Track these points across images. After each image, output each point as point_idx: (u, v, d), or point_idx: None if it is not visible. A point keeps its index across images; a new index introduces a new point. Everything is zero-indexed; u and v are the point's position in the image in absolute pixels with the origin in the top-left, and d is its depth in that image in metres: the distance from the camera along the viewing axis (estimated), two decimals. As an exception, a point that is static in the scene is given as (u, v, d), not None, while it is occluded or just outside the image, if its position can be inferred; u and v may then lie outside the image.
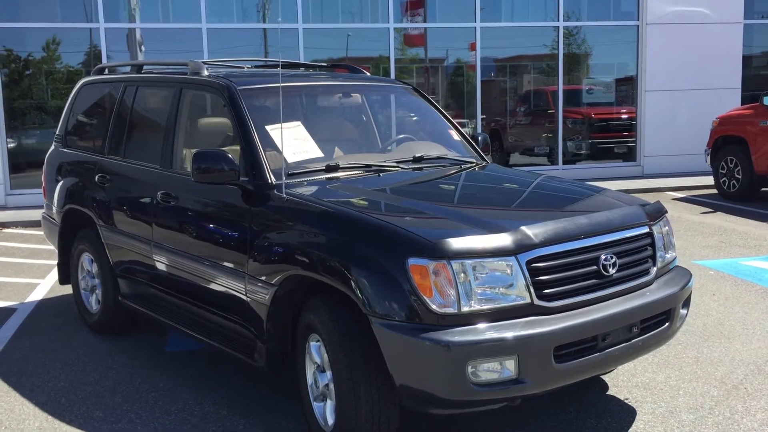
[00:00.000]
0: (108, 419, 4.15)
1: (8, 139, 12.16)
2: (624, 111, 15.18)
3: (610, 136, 15.44)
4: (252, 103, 4.34)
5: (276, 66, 5.69)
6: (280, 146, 4.08)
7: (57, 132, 6.19)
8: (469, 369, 3.06)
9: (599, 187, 4.41)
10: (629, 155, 14.85)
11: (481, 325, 3.11)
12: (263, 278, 3.78)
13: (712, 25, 14.06)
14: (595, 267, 3.42)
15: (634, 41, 14.29)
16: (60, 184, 5.85)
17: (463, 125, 15.09)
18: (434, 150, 4.86)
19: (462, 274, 3.11)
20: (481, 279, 3.15)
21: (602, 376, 4.54)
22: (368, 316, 3.20)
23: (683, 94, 14.15)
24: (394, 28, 13.39)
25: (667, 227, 4.03)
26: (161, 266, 4.70)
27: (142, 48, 12.85)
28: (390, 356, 3.15)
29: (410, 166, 4.42)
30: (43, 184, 6.23)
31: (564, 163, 14.84)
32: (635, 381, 4.51)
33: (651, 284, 3.71)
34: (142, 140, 5.10)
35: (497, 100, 16.74)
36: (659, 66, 14.03)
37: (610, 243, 3.51)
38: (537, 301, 3.21)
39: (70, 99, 6.11)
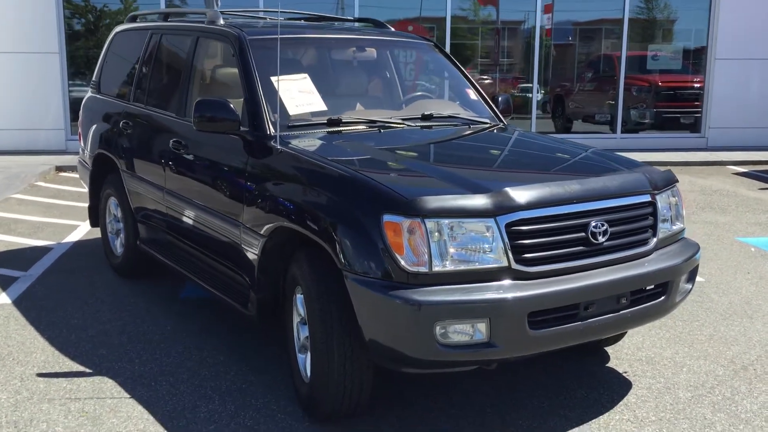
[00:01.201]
0: (109, 357, 4.28)
1: (71, 87, 12.52)
2: (694, 80, 14.56)
3: (677, 105, 14.85)
4: (261, 53, 4.32)
5: (305, 18, 5.66)
6: (284, 97, 4.07)
7: (93, 78, 6.33)
8: (438, 329, 3.01)
9: (610, 152, 4.25)
10: (695, 126, 14.28)
11: (453, 287, 3.06)
12: (255, 228, 3.80)
13: (792, -11, 13.28)
14: (583, 234, 3.30)
15: (706, 8, 13.62)
16: (92, 129, 6.00)
17: (526, 90, 14.78)
18: (449, 109, 4.77)
19: (436, 233, 3.05)
20: (456, 239, 3.08)
21: (605, 347, 4.43)
22: (342, 271, 3.19)
23: (757, 63, 13.47)
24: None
25: (675, 198, 3.85)
26: (172, 213, 4.79)
27: (218, 2, 12.91)
28: (360, 312, 3.14)
29: (417, 124, 4.35)
30: (79, 129, 6.40)
31: (627, 131, 14.37)
32: (639, 355, 4.38)
33: (649, 255, 3.57)
34: (162, 88, 5.16)
35: (564, 64, 16.28)
36: (732, 33, 13.34)
37: (602, 210, 3.38)
38: (515, 265, 3.13)
39: (105, 46, 6.23)
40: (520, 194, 3.18)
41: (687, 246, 3.82)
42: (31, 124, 12.14)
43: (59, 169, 10.86)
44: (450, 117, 4.54)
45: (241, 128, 4.01)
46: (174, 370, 4.12)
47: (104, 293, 5.41)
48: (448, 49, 13.15)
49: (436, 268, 3.04)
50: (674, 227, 3.80)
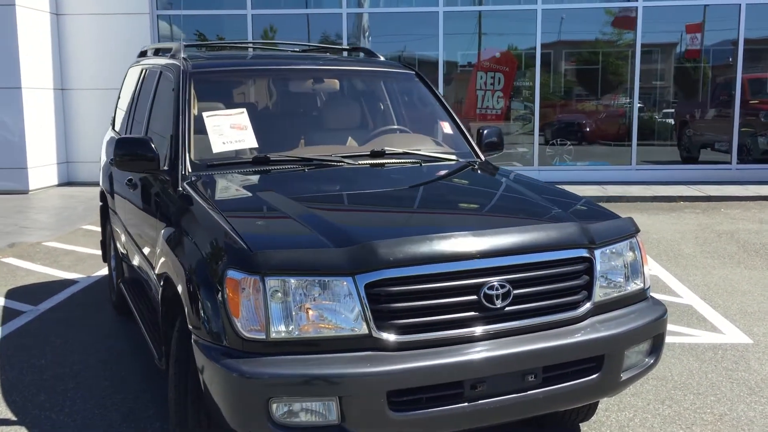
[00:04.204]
0: (44, 405, 4.12)
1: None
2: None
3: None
4: (205, 87, 4.09)
5: (303, 50, 5.40)
6: (211, 134, 3.80)
7: (112, 115, 6.37)
8: (275, 407, 2.57)
9: (570, 194, 3.61)
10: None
11: (298, 357, 2.61)
12: (157, 275, 3.52)
13: None
14: (474, 297, 2.74)
15: None
16: (102, 165, 6.02)
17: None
18: (418, 143, 4.30)
19: (279, 294, 2.61)
20: (306, 301, 2.63)
21: (580, 423, 3.76)
22: (191, 331, 2.82)
23: None
24: (543, 10, 12.42)
25: (634, 252, 3.18)
26: (129, 252, 4.64)
27: (368, 34, 12.99)
28: (203, 381, 2.75)
29: (364, 162, 3.91)
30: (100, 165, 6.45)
31: (754, 161, 12.97)
32: (617, 436, 3.67)
33: (581, 321, 2.94)
34: (136, 124, 5.04)
35: (697, 87, 15.01)
36: None
37: (501, 268, 2.79)
38: (377, 333, 2.63)
39: (121, 84, 6.24)
40: (387, 249, 2.68)
41: (645, 310, 3.13)
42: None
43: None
44: (405, 153, 4.05)
45: (164, 167, 3.77)
46: (96, 423, 3.88)
47: (88, 332, 5.32)
48: (537, 76, 12.49)
49: (276, 335, 2.61)
50: (629, 287, 3.13)
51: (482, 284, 2.75)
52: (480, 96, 12.76)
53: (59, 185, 12.82)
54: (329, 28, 13.00)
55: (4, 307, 5.95)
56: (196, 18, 13.12)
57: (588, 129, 13.73)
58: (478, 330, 2.74)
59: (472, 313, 2.74)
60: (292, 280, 2.63)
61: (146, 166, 3.74)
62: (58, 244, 8.40)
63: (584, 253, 2.98)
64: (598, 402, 3.67)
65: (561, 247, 2.93)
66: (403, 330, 2.66)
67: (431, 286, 2.70)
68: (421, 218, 3.28)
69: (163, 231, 3.51)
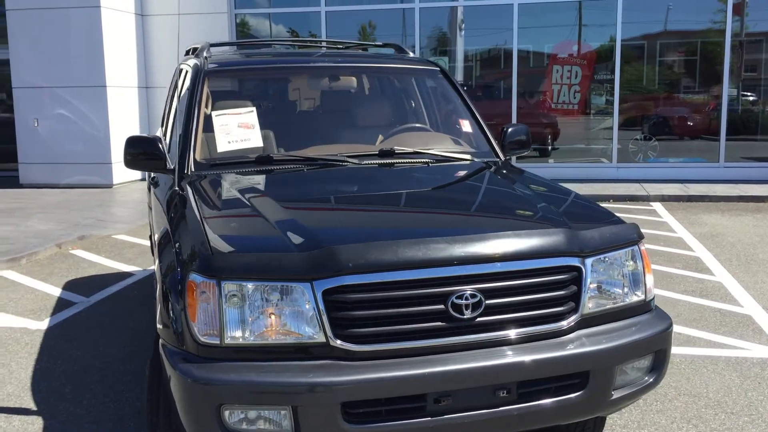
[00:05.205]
0: (66, 396, 4.25)
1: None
2: None
3: None
4: (219, 85, 4.10)
5: (317, 45, 5.36)
6: (218, 133, 3.80)
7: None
8: (227, 414, 2.52)
9: (579, 196, 3.39)
10: None
11: (249, 364, 2.54)
12: (157, 272, 3.55)
13: None
14: (441, 306, 2.60)
15: None
16: (149, 164, 6.17)
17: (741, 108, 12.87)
18: (435, 142, 4.17)
19: (235, 298, 2.56)
20: (262, 306, 2.57)
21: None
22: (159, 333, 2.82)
23: None
24: (623, 1, 11.87)
25: (634, 262, 2.95)
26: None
27: (462, 27, 12.93)
28: (168, 385, 2.73)
29: (371, 162, 3.80)
30: (153, 163, 6.61)
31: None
32: (629, 456, 3.43)
33: (566, 334, 2.75)
34: (167, 123, 5.13)
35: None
36: None
37: (472, 277, 2.63)
38: (335, 342, 2.54)
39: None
40: (346, 254, 2.57)
41: (645, 323, 2.90)
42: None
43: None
44: (416, 153, 3.91)
45: (170, 167, 3.80)
46: (106, 417, 3.97)
47: (125, 326, 5.46)
48: (617, 69, 12.00)
49: (231, 341, 2.55)
50: (627, 299, 2.91)
51: (449, 293, 2.60)
52: (556, 90, 12.37)
53: (142, 179, 13.28)
54: (405, 22, 12.91)
55: (59, 298, 6.20)
56: (273, 16, 13.31)
57: (672, 124, 13.04)
58: (445, 341, 2.60)
59: (440, 323, 2.60)
60: (250, 285, 2.57)
61: (154, 165, 3.78)
62: (127, 237, 8.70)
63: (572, 261, 2.77)
64: (604, 418, 3.45)
65: (543, 255, 2.74)
66: (363, 339, 2.56)
67: (393, 294, 2.58)
68: (398, 221, 3.15)
69: (163, 227, 3.54)
